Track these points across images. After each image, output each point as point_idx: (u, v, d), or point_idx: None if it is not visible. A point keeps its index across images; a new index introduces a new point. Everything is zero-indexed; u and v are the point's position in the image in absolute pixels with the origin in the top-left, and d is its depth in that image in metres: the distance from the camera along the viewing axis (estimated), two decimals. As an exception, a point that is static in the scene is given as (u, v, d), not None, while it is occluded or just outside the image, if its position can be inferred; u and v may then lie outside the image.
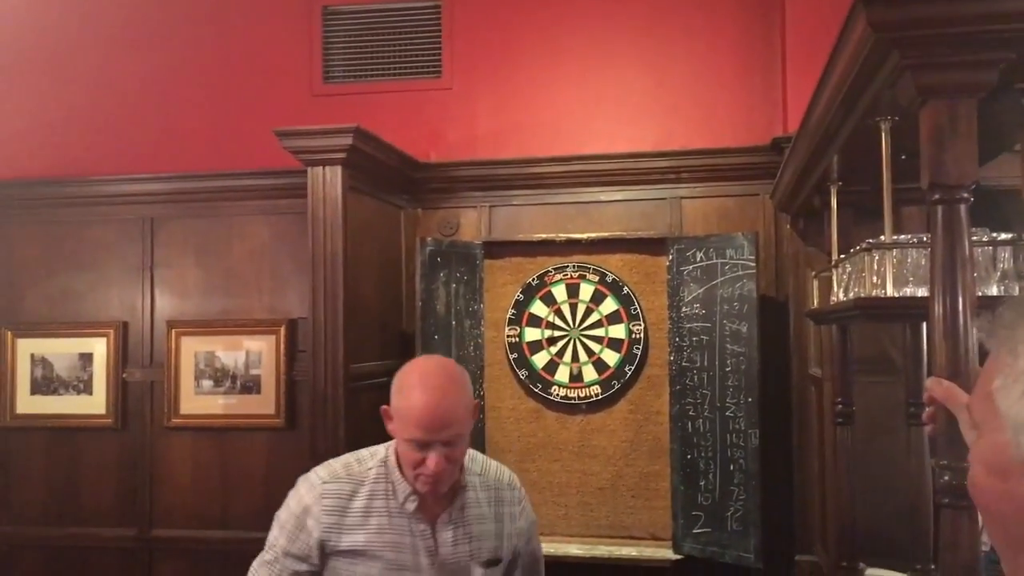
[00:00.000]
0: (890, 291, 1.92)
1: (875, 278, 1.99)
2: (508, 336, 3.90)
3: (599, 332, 3.83)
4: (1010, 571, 0.82)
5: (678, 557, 3.60)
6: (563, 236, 3.87)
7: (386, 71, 4.14)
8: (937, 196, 1.53)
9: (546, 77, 4.00)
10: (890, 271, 1.92)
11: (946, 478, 1.46)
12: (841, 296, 2.34)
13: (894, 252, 1.92)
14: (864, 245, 1.98)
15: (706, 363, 3.60)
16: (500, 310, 3.93)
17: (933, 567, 2.51)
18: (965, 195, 1.52)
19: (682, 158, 3.78)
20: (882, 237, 1.95)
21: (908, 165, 1.85)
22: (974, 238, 1.88)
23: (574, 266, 3.87)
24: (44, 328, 4.25)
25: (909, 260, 1.92)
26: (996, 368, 0.83)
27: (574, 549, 3.70)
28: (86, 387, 4.21)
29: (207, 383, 4.09)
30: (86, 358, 4.22)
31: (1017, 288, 1.93)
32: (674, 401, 3.67)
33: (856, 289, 2.11)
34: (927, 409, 1.25)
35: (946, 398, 1.07)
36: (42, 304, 4.28)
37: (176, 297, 4.17)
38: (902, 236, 1.93)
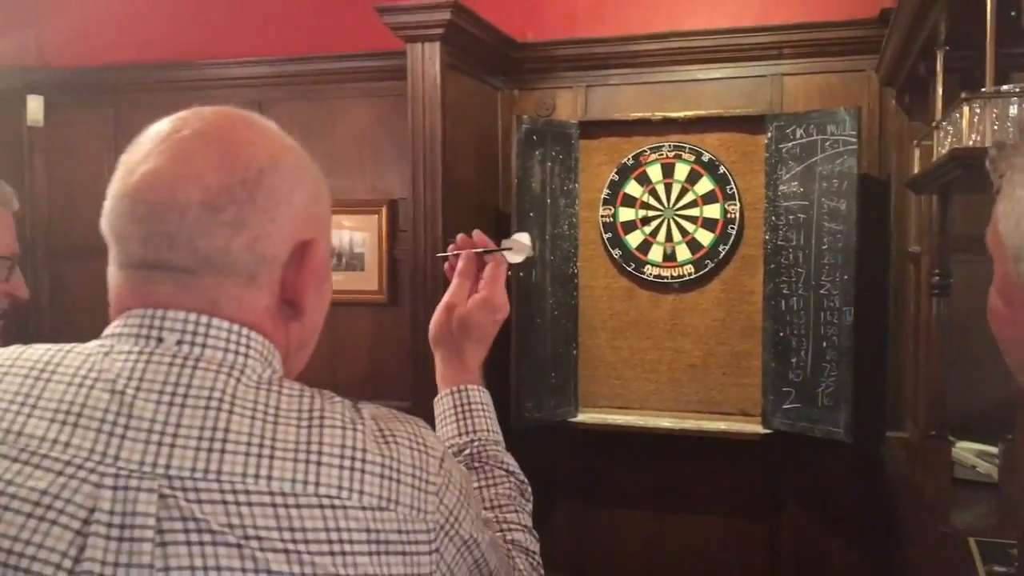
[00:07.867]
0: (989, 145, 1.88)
1: (975, 134, 1.95)
2: (602, 216, 3.95)
3: (693, 212, 3.84)
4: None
5: (767, 432, 3.67)
6: (659, 115, 3.84)
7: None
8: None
9: (645, -49, 3.91)
10: (990, 124, 1.88)
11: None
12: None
13: (995, 104, 1.88)
14: (963, 96, 1.94)
15: (802, 241, 3.58)
16: (595, 190, 3.97)
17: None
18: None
19: (784, 32, 3.67)
20: (983, 89, 1.91)
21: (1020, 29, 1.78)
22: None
23: (670, 146, 3.86)
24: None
25: (1011, 113, 1.88)
26: (1000, 198, 0.85)
27: (664, 422, 3.81)
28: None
29: (314, 260, 4.27)
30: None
31: None
32: (768, 280, 3.67)
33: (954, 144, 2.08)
34: None
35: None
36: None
37: (284, 178, 4.32)
38: (1004, 87, 1.89)
